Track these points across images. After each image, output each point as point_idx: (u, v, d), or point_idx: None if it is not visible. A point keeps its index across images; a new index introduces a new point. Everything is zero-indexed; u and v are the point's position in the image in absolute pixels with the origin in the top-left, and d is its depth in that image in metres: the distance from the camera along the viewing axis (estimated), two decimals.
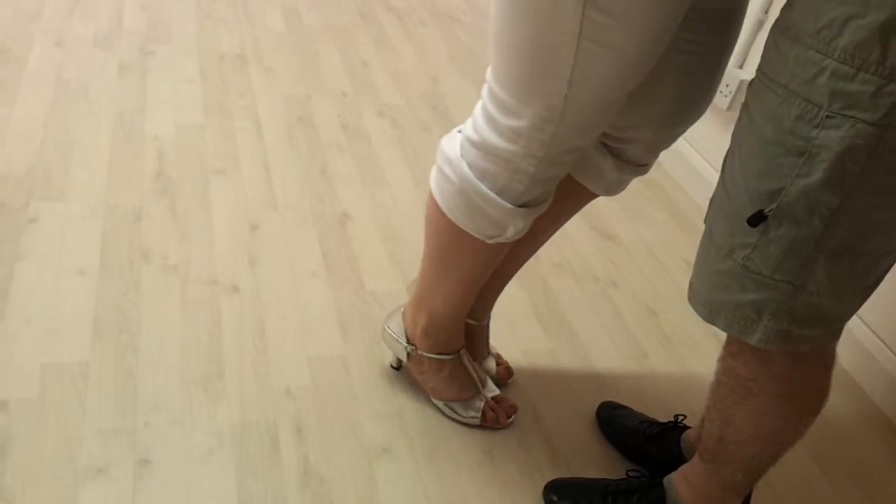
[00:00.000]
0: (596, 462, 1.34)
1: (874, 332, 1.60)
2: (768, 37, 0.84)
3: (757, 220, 0.82)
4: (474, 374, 1.36)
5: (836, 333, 0.93)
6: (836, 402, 1.56)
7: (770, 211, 0.81)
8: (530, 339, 1.56)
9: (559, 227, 1.34)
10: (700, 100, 1.16)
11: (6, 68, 2.04)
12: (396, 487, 1.23)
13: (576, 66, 0.93)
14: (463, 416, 1.35)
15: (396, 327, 1.35)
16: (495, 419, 1.35)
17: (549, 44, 0.92)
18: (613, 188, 1.26)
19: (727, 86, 2.00)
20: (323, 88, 2.27)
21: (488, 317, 1.41)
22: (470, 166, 1.08)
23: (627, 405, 1.42)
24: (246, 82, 2.21)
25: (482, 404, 1.35)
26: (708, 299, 0.93)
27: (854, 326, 1.62)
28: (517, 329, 1.58)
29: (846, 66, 0.73)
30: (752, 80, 0.86)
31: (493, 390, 1.38)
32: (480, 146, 1.06)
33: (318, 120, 2.11)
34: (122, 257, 1.54)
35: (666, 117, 1.15)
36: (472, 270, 1.23)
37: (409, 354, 1.34)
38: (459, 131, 1.12)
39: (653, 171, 2.16)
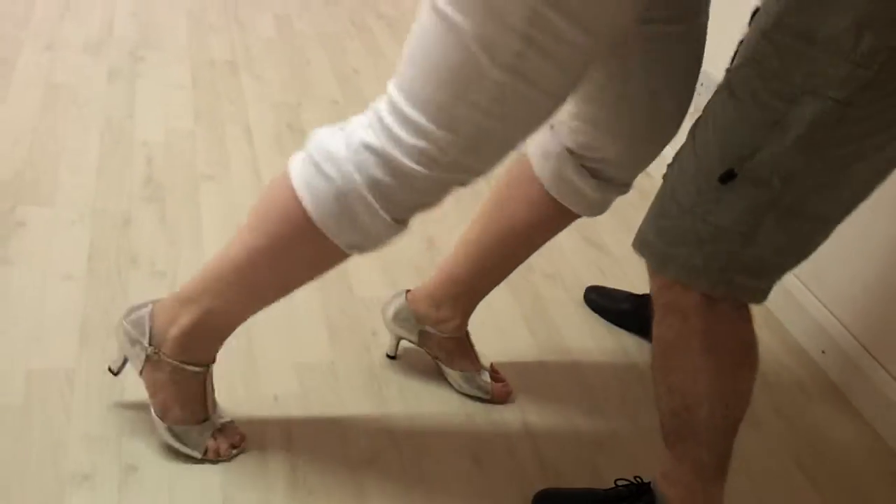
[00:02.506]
0: (584, 471, 1.34)
1: (865, 348, 1.61)
2: (752, 20, 0.96)
3: (727, 177, 0.93)
4: (211, 397, 1.20)
5: (769, 288, 1.02)
6: (831, 420, 1.57)
7: (739, 171, 0.92)
8: (520, 347, 1.56)
9: (541, 246, 1.36)
10: (667, 120, 1.20)
11: None
12: (384, 495, 1.23)
13: (496, 97, 0.92)
14: (188, 447, 1.18)
15: (137, 323, 1.16)
16: (216, 451, 1.19)
17: (471, 71, 0.90)
18: (596, 208, 1.28)
19: None
20: (313, 96, 2.27)
21: (465, 328, 1.40)
22: (358, 170, 0.99)
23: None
24: (237, 89, 2.21)
25: (208, 433, 1.19)
26: (662, 250, 1.01)
27: (843, 340, 1.63)
28: (507, 338, 1.58)
29: (824, 52, 0.85)
30: (734, 59, 0.97)
31: (222, 417, 1.23)
32: (380, 155, 0.98)
33: (308, 127, 2.11)
34: (109, 263, 1.54)
35: (631, 134, 1.19)
36: (301, 276, 1.13)
37: (148, 357, 1.15)
38: (342, 129, 1.04)
39: (643, 182, 2.17)
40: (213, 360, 1.19)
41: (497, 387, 1.42)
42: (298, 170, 1.05)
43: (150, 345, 1.15)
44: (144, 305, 1.18)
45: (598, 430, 1.41)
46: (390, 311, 1.41)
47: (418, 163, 0.97)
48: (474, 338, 1.43)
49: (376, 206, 1.00)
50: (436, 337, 1.38)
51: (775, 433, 1.50)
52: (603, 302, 1.69)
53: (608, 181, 1.24)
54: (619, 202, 1.31)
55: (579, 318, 1.68)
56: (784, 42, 0.88)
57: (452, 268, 1.37)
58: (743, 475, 1.38)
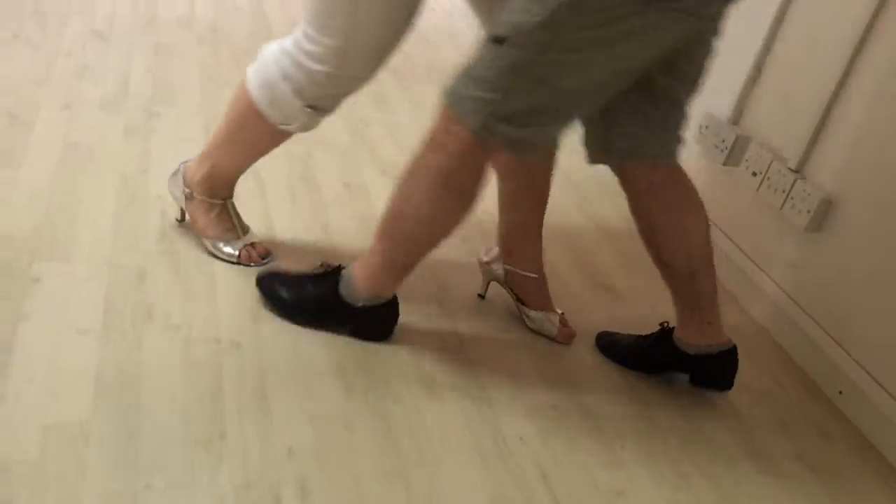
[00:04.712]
0: None
1: (882, 387, 1.59)
2: None
3: (497, 40, 1.23)
4: (237, 223, 1.75)
5: (531, 143, 1.34)
6: (852, 462, 1.55)
7: (508, 38, 1.22)
8: (533, 393, 1.56)
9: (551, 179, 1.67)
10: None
11: (14, 132, 2.08)
12: None
13: (354, 10, 1.38)
14: (223, 254, 1.72)
15: (176, 181, 1.76)
16: (248, 257, 1.73)
17: None
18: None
19: (723, 141, 2.03)
20: (324, 147, 2.30)
21: (541, 270, 1.71)
22: (279, 67, 1.50)
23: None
24: None
25: (240, 245, 1.73)
26: (456, 92, 1.31)
27: (861, 379, 1.62)
28: (520, 384, 1.57)
29: None
30: None
31: (252, 238, 1.76)
32: (291, 56, 1.49)
33: (319, 177, 2.14)
34: (125, 317, 1.55)
35: None
36: (259, 145, 1.67)
37: (187, 197, 1.72)
38: (278, 43, 1.51)
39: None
40: (229, 197, 1.75)
41: (563, 329, 1.70)
42: (252, 69, 1.58)
43: (186, 187, 1.73)
44: (176, 171, 1.77)
45: (616, 478, 1.40)
46: (489, 256, 1.74)
47: (316, 62, 1.46)
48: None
49: (288, 92, 1.50)
50: (517, 275, 1.69)
51: (797, 478, 1.47)
52: (614, 346, 1.69)
53: None
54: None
55: (591, 363, 1.67)
56: None
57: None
58: None
